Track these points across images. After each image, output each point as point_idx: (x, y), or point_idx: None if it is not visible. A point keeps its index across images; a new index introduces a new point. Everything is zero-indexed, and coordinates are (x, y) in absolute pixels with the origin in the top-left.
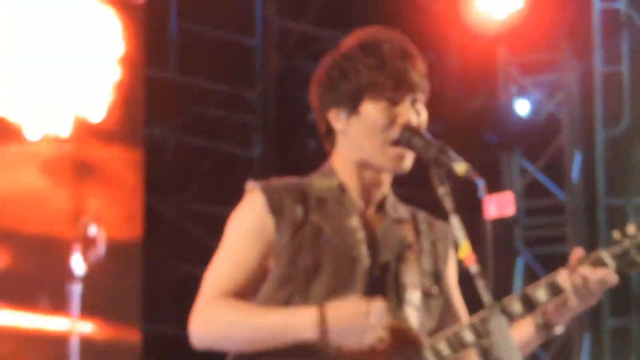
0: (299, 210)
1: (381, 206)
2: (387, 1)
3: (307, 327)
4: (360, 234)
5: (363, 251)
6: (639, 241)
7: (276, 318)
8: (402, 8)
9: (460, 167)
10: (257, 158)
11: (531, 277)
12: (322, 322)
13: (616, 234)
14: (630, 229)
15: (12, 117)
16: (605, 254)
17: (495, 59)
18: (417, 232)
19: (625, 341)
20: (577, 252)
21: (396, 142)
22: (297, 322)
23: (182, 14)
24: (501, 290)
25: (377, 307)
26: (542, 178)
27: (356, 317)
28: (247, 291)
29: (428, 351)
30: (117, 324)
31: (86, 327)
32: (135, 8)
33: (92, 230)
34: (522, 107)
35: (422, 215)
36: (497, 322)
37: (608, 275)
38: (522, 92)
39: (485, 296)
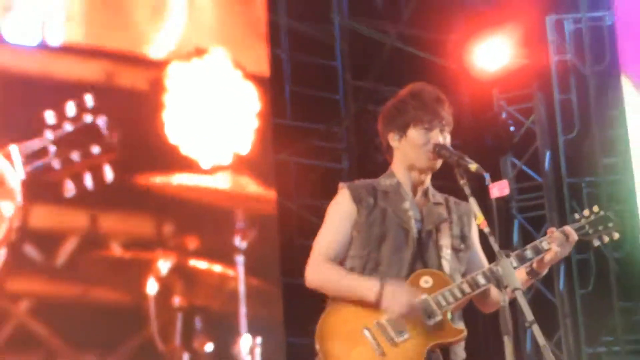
0: (371, 200)
1: (425, 194)
2: (424, 65)
3: (371, 294)
4: (411, 213)
5: (412, 224)
6: (590, 220)
7: (354, 284)
8: (433, 68)
9: (473, 166)
10: (345, 169)
11: (523, 232)
12: (379, 294)
13: (577, 215)
14: (586, 212)
15: (193, 154)
16: (569, 228)
17: (492, 97)
18: (449, 210)
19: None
20: (552, 228)
21: (432, 154)
22: (366, 290)
23: (293, 81)
24: (505, 241)
25: (409, 295)
26: (526, 169)
27: (399, 300)
28: (341, 251)
29: (456, 289)
30: (265, 278)
31: (248, 281)
32: (264, 80)
33: (246, 220)
34: (510, 126)
35: (452, 199)
36: (504, 262)
37: (568, 244)
38: (509, 117)
39: (495, 246)
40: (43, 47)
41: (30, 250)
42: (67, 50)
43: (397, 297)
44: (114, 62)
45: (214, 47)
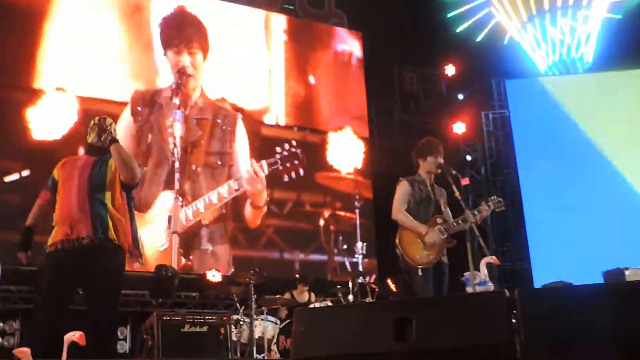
0: (414, 184)
1: (432, 183)
2: (434, 132)
3: (423, 231)
4: (430, 192)
5: (432, 197)
6: (494, 202)
7: (414, 224)
8: (437, 132)
9: (454, 172)
10: (400, 174)
11: (473, 202)
12: (427, 231)
13: (489, 199)
14: (492, 198)
15: (338, 167)
16: (490, 203)
17: (459, 144)
18: (439, 190)
19: None
20: (483, 203)
21: (437, 167)
22: (421, 229)
23: (378, 139)
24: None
25: (435, 234)
26: (474, 174)
27: (432, 234)
28: (405, 205)
29: (454, 223)
30: (368, 218)
31: (360, 220)
32: (366, 138)
33: (360, 194)
34: (467, 155)
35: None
36: (468, 212)
37: (489, 209)
38: (466, 153)
39: (464, 205)
40: (276, 125)
41: (273, 207)
42: (287, 127)
43: (430, 234)
44: (305, 132)
45: (345, 125)
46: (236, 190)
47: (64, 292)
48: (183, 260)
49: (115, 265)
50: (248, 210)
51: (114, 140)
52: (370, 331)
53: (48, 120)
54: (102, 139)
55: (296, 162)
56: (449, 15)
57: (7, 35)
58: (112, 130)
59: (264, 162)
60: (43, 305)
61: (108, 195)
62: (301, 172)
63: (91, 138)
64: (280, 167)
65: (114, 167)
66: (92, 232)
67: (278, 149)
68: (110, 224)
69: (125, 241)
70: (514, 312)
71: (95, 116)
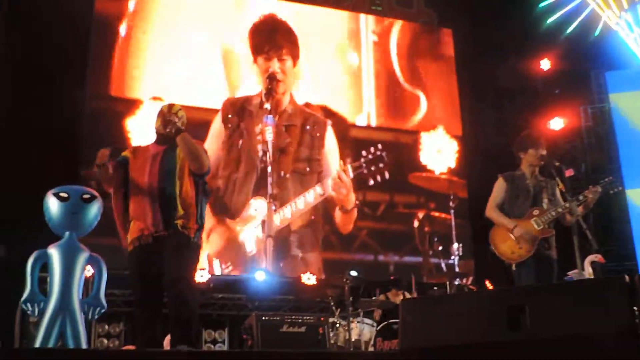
0: (511, 181)
1: (535, 177)
2: (533, 126)
3: (511, 226)
4: (529, 186)
5: (530, 190)
6: (608, 182)
7: (501, 220)
8: (536, 126)
9: (557, 163)
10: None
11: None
12: (514, 227)
13: (601, 181)
14: (607, 179)
15: (432, 167)
16: (597, 187)
17: (556, 138)
18: (546, 183)
19: None
20: (590, 187)
21: (539, 159)
22: (509, 223)
23: (471, 139)
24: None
25: (521, 229)
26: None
27: (521, 228)
28: (501, 202)
29: (549, 214)
30: (463, 218)
31: (455, 220)
32: (459, 137)
33: (454, 194)
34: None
35: (544, 178)
36: (573, 204)
37: (598, 193)
38: (562, 146)
39: (567, 197)
40: (368, 126)
41: (366, 209)
42: (379, 128)
43: (518, 228)
44: (397, 133)
45: (438, 124)
46: (321, 195)
47: (152, 288)
48: (276, 264)
49: (188, 255)
50: (338, 214)
51: (180, 131)
52: (481, 320)
53: (147, 129)
54: (167, 130)
55: (381, 165)
56: (541, 6)
57: (104, 48)
58: (177, 121)
59: (349, 166)
60: (138, 305)
61: (178, 184)
62: (386, 175)
63: (157, 125)
64: (365, 171)
65: (182, 156)
66: (163, 225)
67: (364, 152)
68: (182, 214)
69: (193, 229)
70: (635, 298)
71: (174, 109)
